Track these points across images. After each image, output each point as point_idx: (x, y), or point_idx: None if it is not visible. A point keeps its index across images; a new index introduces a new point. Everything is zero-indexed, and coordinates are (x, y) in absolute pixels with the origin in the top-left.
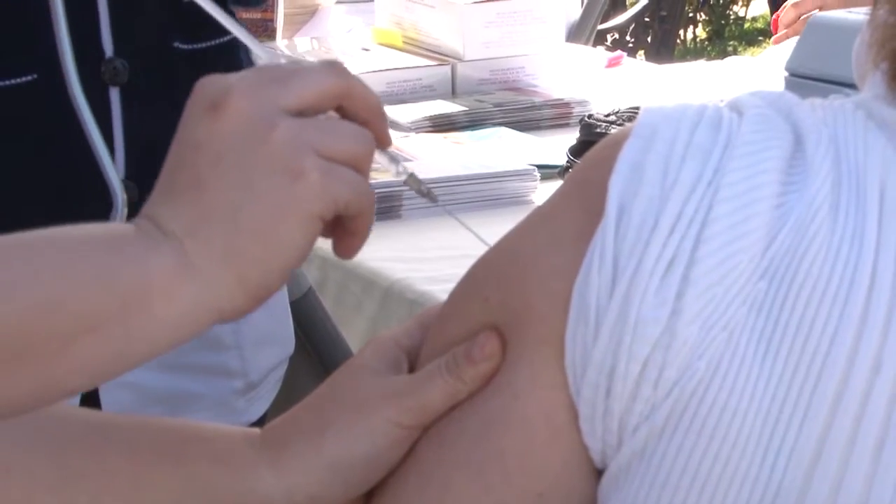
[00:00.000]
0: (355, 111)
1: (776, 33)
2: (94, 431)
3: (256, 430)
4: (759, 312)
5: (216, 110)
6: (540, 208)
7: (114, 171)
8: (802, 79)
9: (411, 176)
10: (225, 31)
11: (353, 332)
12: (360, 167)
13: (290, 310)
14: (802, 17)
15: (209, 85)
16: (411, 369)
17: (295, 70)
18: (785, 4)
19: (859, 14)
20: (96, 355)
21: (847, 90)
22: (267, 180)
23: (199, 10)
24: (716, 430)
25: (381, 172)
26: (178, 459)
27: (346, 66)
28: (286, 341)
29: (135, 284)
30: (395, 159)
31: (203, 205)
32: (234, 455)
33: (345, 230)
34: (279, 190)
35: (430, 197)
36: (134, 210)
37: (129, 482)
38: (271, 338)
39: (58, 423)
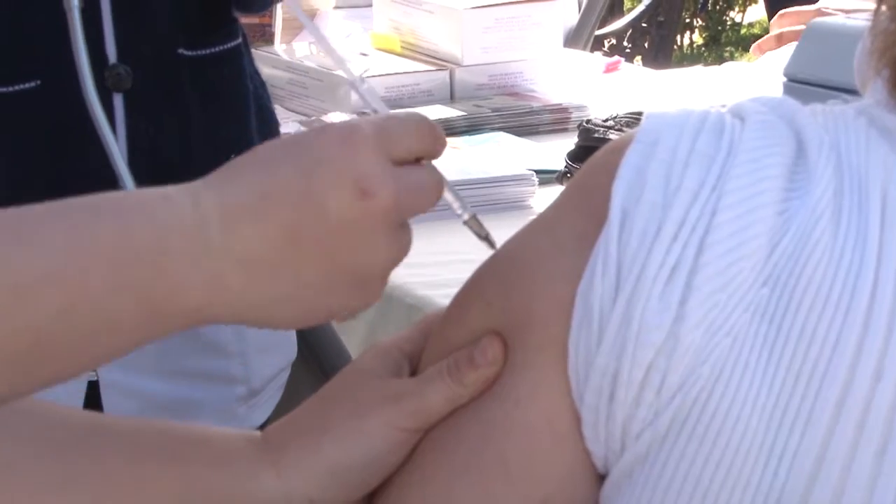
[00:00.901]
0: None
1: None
2: (96, 433)
3: (257, 432)
4: (761, 319)
5: (366, 197)
6: (543, 214)
7: (129, 177)
8: (801, 84)
9: (473, 218)
10: (229, 38)
11: (351, 336)
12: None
13: None
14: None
15: (353, 162)
16: (413, 374)
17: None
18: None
19: (858, 20)
20: (116, 351)
21: (845, 96)
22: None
23: (203, 17)
24: (718, 436)
25: None
26: (179, 461)
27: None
28: (288, 348)
29: (168, 297)
30: (459, 197)
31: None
32: (235, 457)
33: None
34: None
35: (489, 241)
36: None
37: (131, 484)
38: (274, 344)
39: (61, 425)
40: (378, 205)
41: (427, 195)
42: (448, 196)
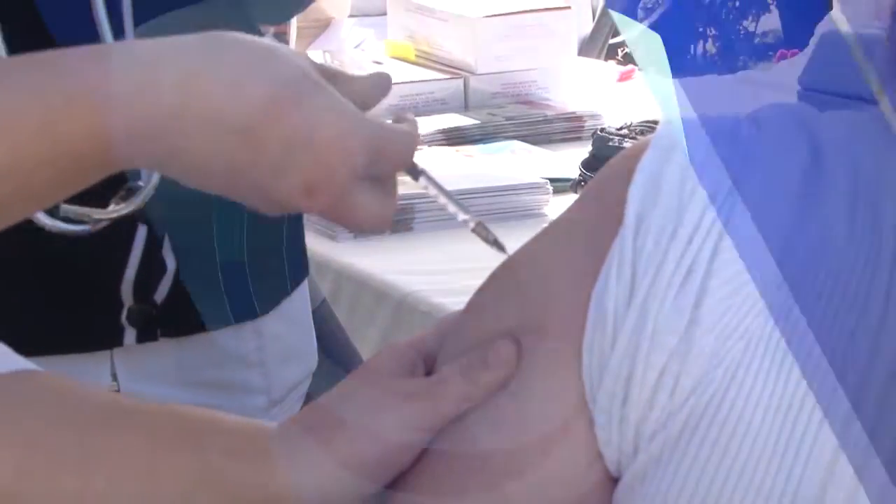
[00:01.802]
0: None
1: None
2: (117, 413)
3: (275, 424)
4: (775, 323)
5: (310, 197)
6: (559, 218)
7: (150, 182)
8: (815, 93)
9: (479, 224)
10: None
11: (365, 344)
12: None
13: (313, 325)
14: None
15: (324, 169)
16: (427, 375)
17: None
18: None
19: (873, 28)
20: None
21: (860, 104)
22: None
23: (227, 28)
24: (731, 440)
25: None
26: (195, 448)
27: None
28: (309, 357)
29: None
30: (463, 207)
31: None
32: (250, 448)
33: None
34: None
35: (497, 246)
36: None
37: (146, 467)
38: (295, 354)
39: (84, 404)
40: (314, 207)
41: (371, 220)
42: (451, 207)
